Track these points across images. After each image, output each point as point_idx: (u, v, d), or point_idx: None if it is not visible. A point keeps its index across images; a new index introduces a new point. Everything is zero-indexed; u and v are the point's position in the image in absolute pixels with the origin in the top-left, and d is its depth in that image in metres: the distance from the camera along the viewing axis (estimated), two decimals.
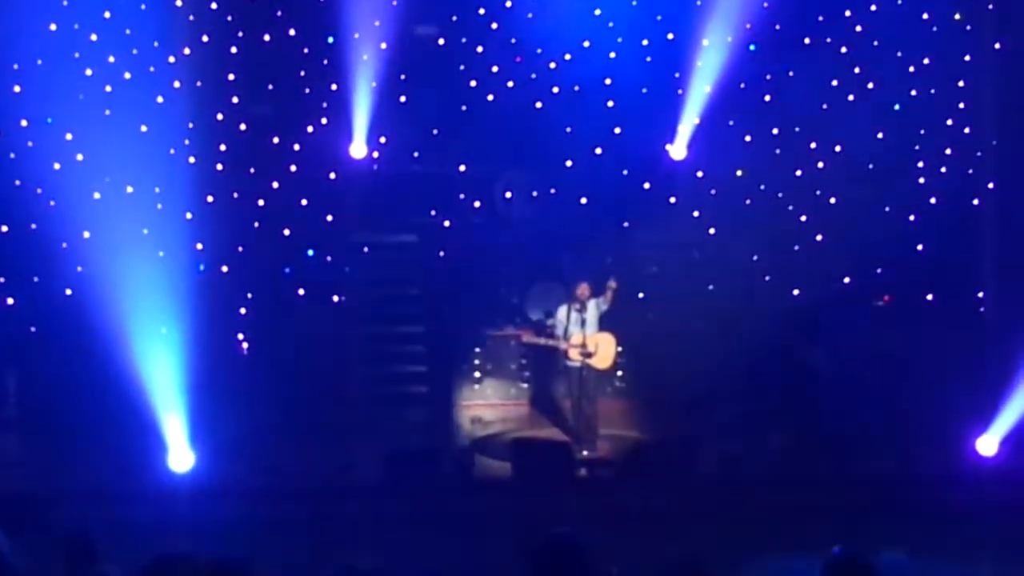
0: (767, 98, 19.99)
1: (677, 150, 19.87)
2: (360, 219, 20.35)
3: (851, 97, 19.56)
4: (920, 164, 20.13)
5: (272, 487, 15.39)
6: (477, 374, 20.35)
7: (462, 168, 20.66)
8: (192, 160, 18.95)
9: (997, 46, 19.89)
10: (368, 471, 16.05)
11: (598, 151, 20.35)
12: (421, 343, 20.32)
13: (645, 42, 20.09)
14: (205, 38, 19.17)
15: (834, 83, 19.83)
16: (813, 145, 20.06)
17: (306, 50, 19.61)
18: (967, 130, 20.24)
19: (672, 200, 20.46)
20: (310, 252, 20.05)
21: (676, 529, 13.31)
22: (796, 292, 20.01)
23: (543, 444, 16.96)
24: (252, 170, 19.60)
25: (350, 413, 18.67)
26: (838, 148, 19.84)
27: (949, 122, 20.13)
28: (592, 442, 17.06)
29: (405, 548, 12.27)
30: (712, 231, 20.48)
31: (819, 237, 20.07)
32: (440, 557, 12.24)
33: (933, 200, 20.08)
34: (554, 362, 18.27)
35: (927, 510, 14.24)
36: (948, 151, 20.19)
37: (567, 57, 20.19)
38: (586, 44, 20.01)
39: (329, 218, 20.01)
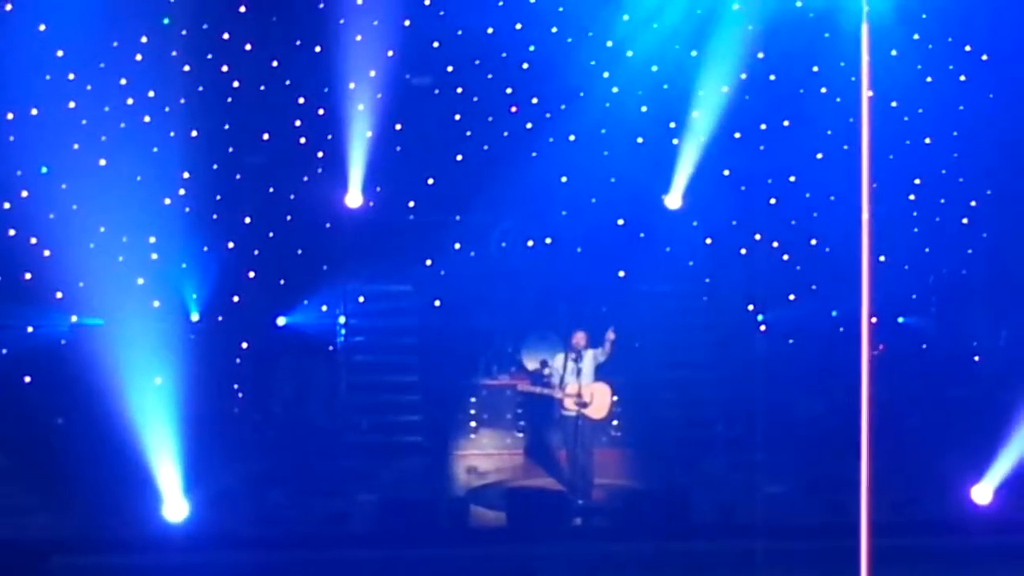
0: (762, 148, 20.18)
1: (672, 200, 20.18)
2: (355, 268, 20.58)
3: (846, 147, 19.70)
4: (915, 213, 20.40)
5: (267, 536, 15.24)
6: (472, 423, 20.34)
7: (457, 217, 20.85)
8: (187, 210, 19.17)
9: (991, 96, 20.19)
10: (363, 520, 16.02)
11: (593, 201, 20.56)
12: (416, 392, 20.41)
13: (640, 92, 20.34)
14: (200, 88, 19.39)
15: (828, 132, 20.09)
16: (808, 195, 20.40)
17: (301, 100, 19.80)
18: (961, 179, 20.52)
19: (667, 249, 20.67)
20: (305, 302, 20.22)
21: None
22: (791, 341, 20.32)
23: (538, 494, 17.02)
24: (247, 220, 19.92)
25: (345, 462, 18.69)
26: (832, 198, 20.11)
27: (943, 171, 20.40)
28: (587, 492, 17.07)
29: None
30: (707, 280, 20.87)
31: (814, 287, 20.37)
32: None
33: (927, 250, 20.33)
34: (550, 412, 18.25)
35: (922, 559, 14.28)
36: (942, 200, 20.46)
37: (562, 107, 20.35)
38: (581, 94, 20.25)
39: (324, 267, 20.29)
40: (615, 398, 17.68)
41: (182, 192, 19.12)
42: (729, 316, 20.23)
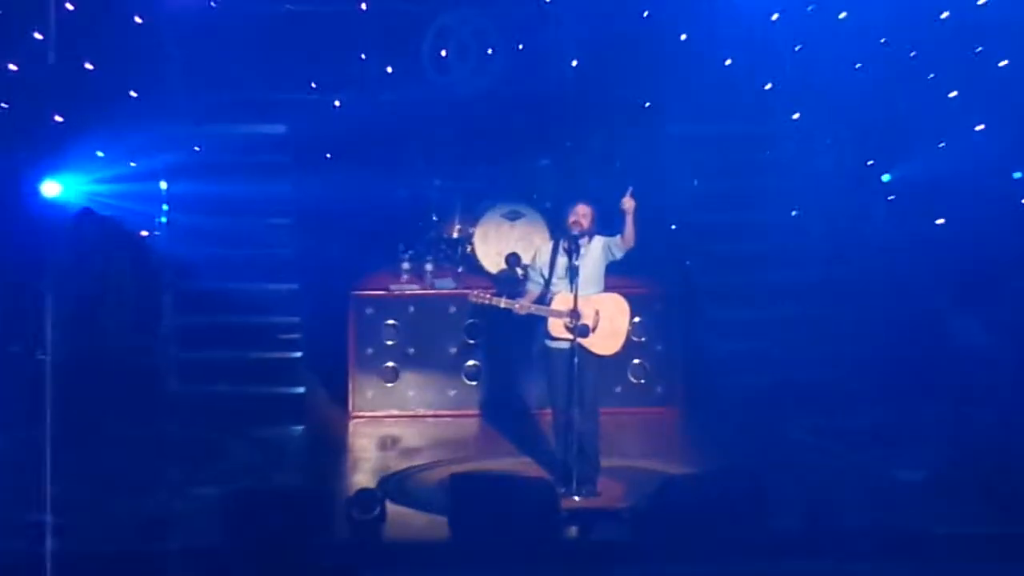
0: None
1: None
2: (188, 95, 20.41)
3: None
4: None
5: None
6: (390, 363, 19.68)
7: (363, 6, 20.89)
8: None
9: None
10: (200, 532, 14.58)
11: None
12: (294, 309, 20.11)
13: None
14: None
15: None
16: None
17: None
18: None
19: (727, 63, 20.67)
20: (100, 154, 20.00)
21: None
22: (941, 222, 19.83)
23: (506, 483, 15.86)
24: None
25: (171, 430, 18.48)
26: None
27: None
28: (591, 480, 16.15)
29: None
30: (796, 117, 20.68)
31: (981, 127, 19.95)
32: None
33: None
34: (524, 341, 17.81)
35: None
36: None
37: None
38: None
39: (133, 95, 20.37)
40: (636, 320, 17.36)
41: None
42: (833, 176, 20.29)
